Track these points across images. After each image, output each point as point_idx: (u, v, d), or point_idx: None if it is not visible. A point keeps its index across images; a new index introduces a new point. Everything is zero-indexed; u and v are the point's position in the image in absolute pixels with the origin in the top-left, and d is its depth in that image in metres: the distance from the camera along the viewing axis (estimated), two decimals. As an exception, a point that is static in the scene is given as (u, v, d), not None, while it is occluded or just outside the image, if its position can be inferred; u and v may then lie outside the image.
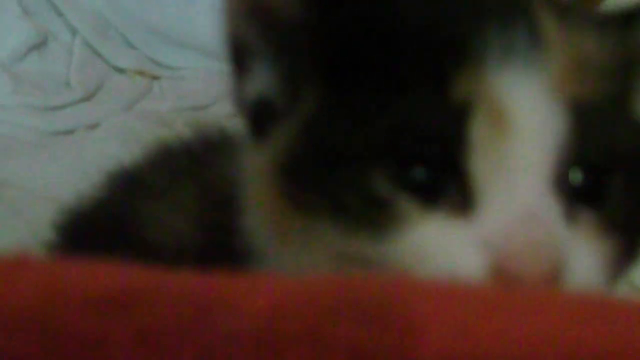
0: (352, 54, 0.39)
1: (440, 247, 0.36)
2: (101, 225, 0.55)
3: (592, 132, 0.37)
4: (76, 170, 0.95)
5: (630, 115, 0.41)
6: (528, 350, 0.26)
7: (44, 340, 0.24)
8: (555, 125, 0.36)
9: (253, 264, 0.43)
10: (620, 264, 0.39)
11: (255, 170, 0.42)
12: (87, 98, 1.19)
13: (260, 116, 0.42)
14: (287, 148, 0.39)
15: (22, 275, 0.27)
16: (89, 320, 0.25)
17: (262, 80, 0.42)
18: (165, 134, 1.02)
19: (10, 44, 1.21)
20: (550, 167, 0.36)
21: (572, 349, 0.26)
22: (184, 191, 0.51)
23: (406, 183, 0.36)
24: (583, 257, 0.37)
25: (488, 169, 0.36)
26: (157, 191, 0.53)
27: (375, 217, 0.36)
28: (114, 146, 1.04)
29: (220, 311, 0.27)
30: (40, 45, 1.24)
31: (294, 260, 0.40)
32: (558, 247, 0.36)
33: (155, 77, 1.29)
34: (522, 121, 0.36)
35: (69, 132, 1.12)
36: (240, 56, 0.42)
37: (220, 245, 0.45)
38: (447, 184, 0.36)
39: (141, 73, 1.28)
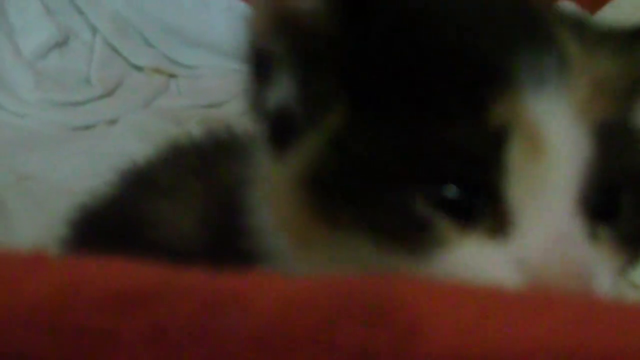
0: (384, 72, 0.38)
1: (477, 267, 0.36)
2: (111, 223, 0.55)
3: (610, 152, 0.38)
4: (94, 164, 0.95)
5: (634, 131, 0.41)
6: (528, 350, 0.26)
7: (57, 337, 0.24)
8: (583, 147, 0.37)
9: (261, 264, 0.43)
10: (623, 269, 0.40)
11: (272, 179, 0.42)
12: (107, 95, 1.19)
13: (280, 126, 0.41)
14: (313, 161, 0.39)
15: (38, 272, 0.27)
16: (101, 318, 0.25)
17: (284, 91, 0.41)
18: (180, 131, 1.03)
19: (33, 42, 1.21)
20: (578, 188, 0.37)
21: (572, 349, 0.26)
22: (191, 190, 0.51)
23: (444, 204, 0.36)
24: (604, 273, 0.38)
25: (523, 191, 0.36)
26: (165, 189, 0.53)
27: (414, 236, 0.36)
28: (131, 142, 1.04)
29: (231, 309, 0.27)
30: (62, 43, 1.24)
31: (317, 271, 0.40)
32: (588, 264, 0.36)
33: (172, 75, 1.29)
34: (555, 145, 0.36)
35: (89, 127, 1.13)
36: (262, 65, 0.42)
37: (225, 245, 0.45)
38: (483, 205, 0.37)
39: (158, 71, 1.28)
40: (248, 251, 0.44)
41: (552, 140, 0.36)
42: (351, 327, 0.25)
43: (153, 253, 0.49)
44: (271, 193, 0.42)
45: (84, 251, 0.54)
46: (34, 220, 0.82)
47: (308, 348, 0.25)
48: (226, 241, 0.45)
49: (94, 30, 1.28)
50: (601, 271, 0.37)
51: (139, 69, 1.27)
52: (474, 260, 0.36)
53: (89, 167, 0.96)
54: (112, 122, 1.13)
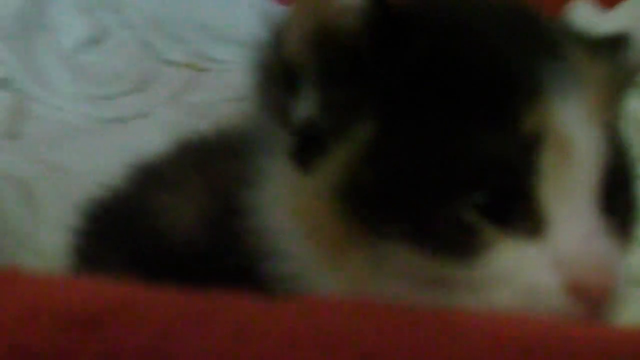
0: (421, 87, 0.40)
1: (519, 269, 0.38)
2: (120, 215, 0.56)
3: (612, 150, 0.41)
4: (123, 156, 0.97)
5: (620, 132, 0.44)
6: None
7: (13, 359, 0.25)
8: (602, 149, 0.40)
9: (263, 266, 0.44)
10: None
11: (299, 189, 0.43)
12: (139, 89, 1.20)
13: (307, 138, 0.42)
14: (348, 172, 0.40)
15: (5, 292, 0.27)
16: (58, 341, 0.26)
17: (313, 105, 0.42)
18: (208, 125, 1.03)
19: (69, 38, 1.23)
20: (598, 186, 0.40)
21: None
22: (193, 183, 0.52)
23: (483, 210, 0.38)
24: (620, 265, 0.40)
25: (555, 194, 0.38)
26: (169, 182, 0.54)
27: (458, 242, 0.38)
28: (161, 135, 1.04)
29: (191, 333, 0.27)
30: (98, 39, 1.25)
31: (352, 280, 0.41)
32: (615, 258, 0.39)
33: (202, 70, 1.29)
34: (581, 148, 0.39)
35: (120, 120, 1.14)
36: (290, 78, 0.42)
37: (224, 243, 0.46)
38: (518, 209, 0.39)
39: (190, 66, 1.28)
40: (247, 251, 0.44)
41: (578, 144, 0.39)
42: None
43: (158, 244, 0.50)
44: (298, 204, 0.43)
45: (97, 242, 0.55)
46: (60, 211, 0.83)
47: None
48: (225, 240, 0.46)
49: (129, 26, 1.29)
50: (618, 259, 0.40)
51: (170, 63, 1.28)
52: (515, 262, 0.38)
53: (116, 160, 0.97)
54: (144, 115, 1.14)
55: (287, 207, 0.43)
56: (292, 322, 0.27)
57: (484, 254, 0.38)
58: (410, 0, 0.44)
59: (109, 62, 1.24)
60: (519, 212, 0.39)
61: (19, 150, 1.00)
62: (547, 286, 0.38)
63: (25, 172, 0.92)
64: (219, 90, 1.26)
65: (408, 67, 0.40)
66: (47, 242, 0.80)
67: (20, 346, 0.25)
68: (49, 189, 0.89)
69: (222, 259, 0.45)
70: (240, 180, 0.46)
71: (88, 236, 0.58)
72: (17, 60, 1.15)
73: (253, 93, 0.46)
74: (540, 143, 0.38)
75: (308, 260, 0.42)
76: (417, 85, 0.40)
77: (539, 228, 0.39)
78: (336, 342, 0.26)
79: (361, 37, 0.40)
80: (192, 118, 1.11)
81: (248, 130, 0.48)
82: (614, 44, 0.45)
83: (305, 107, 0.42)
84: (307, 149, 0.42)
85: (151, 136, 1.04)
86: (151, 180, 0.56)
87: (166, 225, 0.50)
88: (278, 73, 0.43)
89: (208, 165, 0.53)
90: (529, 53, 0.40)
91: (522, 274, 0.38)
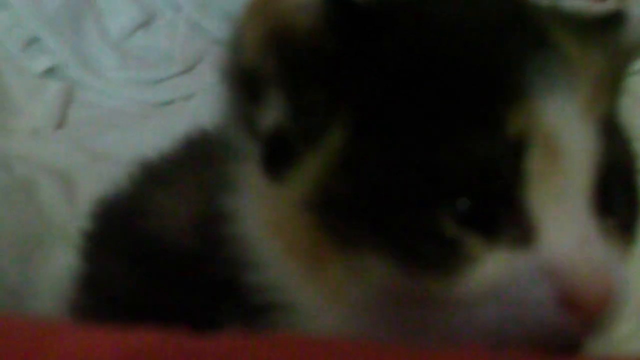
0: (394, 91, 0.36)
1: (507, 280, 0.35)
2: (119, 215, 0.54)
3: (610, 145, 0.36)
4: (168, 140, 0.95)
5: (619, 123, 0.39)
6: None
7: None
8: (594, 147, 0.36)
9: (244, 273, 0.40)
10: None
11: (270, 200, 0.39)
12: (187, 70, 1.18)
13: (274, 147, 0.39)
14: (320, 183, 0.37)
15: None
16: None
17: (278, 112, 0.38)
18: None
19: (118, 23, 1.22)
20: (591, 188, 0.36)
21: None
22: (186, 183, 0.49)
23: (467, 219, 0.34)
24: (619, 266, 0.36)
25: (544, 197, 0.35)
26: (165, 183, 0.51)
27: (439, 254, 0.35)
28: (205, 117, 1.02)
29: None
30: (146, 22, 1.24)
31: (331, 293, 0.38)
32: (611, 263, 0.35)
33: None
34: (571, 149, 0.35)
35: (168, 103, 1.12)
36: (252, 86, 0.39)
37: (209, 247, 0.43)
38: (505, 216, 0.35)
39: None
40: (228, 260, 0.41)
41: (568, 144, 0.35)
42: None
43: (150, 244, 0.47)
44: (272, 214, 0.39)
45: (97, 243, 0.54)
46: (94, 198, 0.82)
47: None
48: (209, 245, 0.43)
49: (178, 8, 1.27)
50: (617, 266, 0.36)
51: (220, 43, 1.25)
52: (503, 273, 0.35)
53: (161, 144, 0.95)
54: (189, 97, 1.12)
55: (262, 217, 0.40)
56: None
57: (469, 268, 0.34)
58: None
59: (157, 45, 1.22)
60: (505, 220, 0.35)
61: (63, 138, 0.99)
62: (537, 300, 0.34)
63: (68, 162, 0.92)
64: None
65: (378, 67, 0.36)
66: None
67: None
68: (90, 179, 0.88)
69: (207, 264, 0.43)
70: (222, 184, 0.43)
71: (89, 236, 0.56)
72: (66, 48, 1.15)
73: (222, 100, 0.43)
74: (526, 144, 0.34)
75: (286, 271, 0.39)
76: (390, 86, 0.36)
77: (527, 237, 0.35)
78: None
79: (322, 34, 0.36)
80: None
81: (224, 135, 0.45)
82: (608, 24, 0.40)
83: (271, 114, 0.38)
84: (276, 158, 0.38)
85: (195, 119, 1.02)
86: (150, 179, 0.54)
87: (157, 226, 0.48)
88: (239, 80, 0.39)
89: (202, 164, 0.51)
90: (512, 45, 0.36)
91: (510, 288, 0.34)
